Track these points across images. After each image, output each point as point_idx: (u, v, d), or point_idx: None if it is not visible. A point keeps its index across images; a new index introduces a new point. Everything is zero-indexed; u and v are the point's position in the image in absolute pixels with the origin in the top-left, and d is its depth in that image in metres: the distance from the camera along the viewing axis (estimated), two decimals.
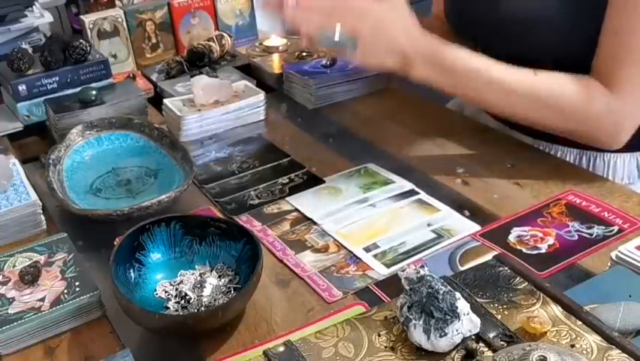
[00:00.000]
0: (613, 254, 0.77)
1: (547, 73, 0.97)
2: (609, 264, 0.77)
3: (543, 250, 0.84)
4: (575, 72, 0.98)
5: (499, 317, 0.65)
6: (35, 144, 1.25)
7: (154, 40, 1.54)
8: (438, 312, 0.62)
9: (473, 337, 0.63)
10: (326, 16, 0.97)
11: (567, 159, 1.09)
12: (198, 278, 0.80)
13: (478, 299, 0.67)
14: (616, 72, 0.95)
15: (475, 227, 0.90)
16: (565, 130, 1.02)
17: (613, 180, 1.05)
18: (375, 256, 0.86)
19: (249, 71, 1.48)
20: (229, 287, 0.80)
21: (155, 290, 0.80)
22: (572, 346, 0.61)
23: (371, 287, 0.81)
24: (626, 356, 0.59)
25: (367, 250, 0.87)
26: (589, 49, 0.97)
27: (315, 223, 0.94)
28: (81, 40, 1.27)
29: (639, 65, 0.93)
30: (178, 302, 0.78)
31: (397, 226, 0.92)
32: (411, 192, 0.99)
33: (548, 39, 1.00)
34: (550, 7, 0.98)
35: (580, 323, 0.63)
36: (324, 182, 1.03)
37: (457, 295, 0.64)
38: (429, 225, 0.91)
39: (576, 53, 0.99)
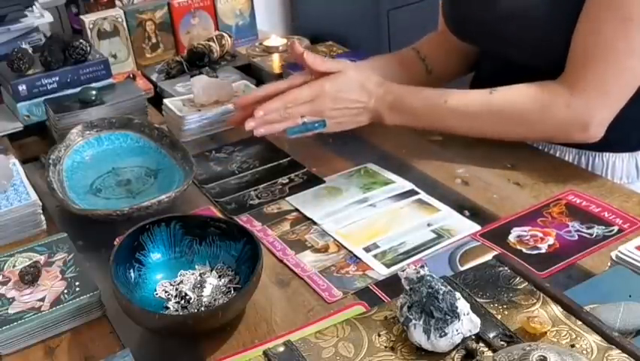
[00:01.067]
0: (613, 254, 0.77)
1: (503, 88, 1.01)
2: (609, 264, 0.77)
3: (543, 250, 0.84)
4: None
5: (499, 316, 0.65)
6: (35, 144, 1.25)
7: (154, 40, 1.55)
8: (438, 312, 0.62)
9: (473, 337, 0.63)
10: (286, 116, 1.02)
11: (566, 158, 1.09)
12: (198, 278, 0.80)
13: (478, 299, 0.67)
14: (580, 71, 0.97)
15: (475, 227, 0.90)
16: (537, 137, 1.06)
17: (612, 180, 1.05)
18: (375, 256, 0.86)
19: (249, 71, 1.48)
20: (229, 287, 0.80)
21: (155, 290, 0.80)
22: (572, 346, 0.61)
23: (371, 287, 0.81)
24: (626, 356, 0.59)
25: (367, 250, 0.87)
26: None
27: (315, 223, 0.94)
28: (81, 40, 1.27)
29: (604, 62, 0.95)
30: (178, 302, 0.78)
31: (397, 225, 0.92)
32: (411, 192, 0.99)
33: (543, 39, 1.00)
34: (543, 6, 0.98)
35: (580, 323, 0.63)
36: (324, 182, 1.03)
37: (457, 295, 0.64)
38: (429, 225, 0.91)
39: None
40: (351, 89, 1.04)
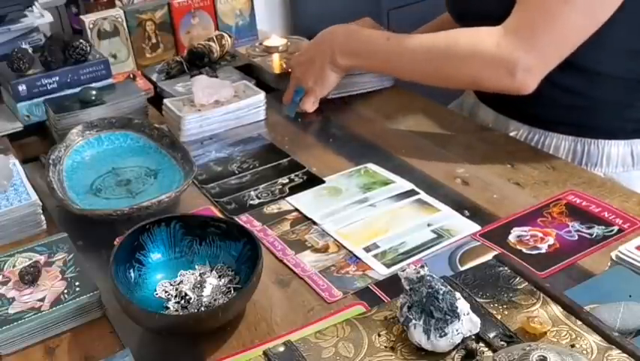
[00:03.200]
0: (613, 254, 0.77)
1: (452, 30, 1.04)
2: (609, 264, 0.77)
3: (543, 250, 0.84)
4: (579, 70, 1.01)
5: (499, 317, 0.65)
6: (35, 144, 1.25)
7: (154, 40, 1.54)
8: (438, 312, 0.62)
9: (473, 337, 0.63)
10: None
11: (561, 147, 1.09)
12: (198, 278, 0.80)
13: (478, 299, 0.67)
14: (515, 13, 0.98)
15: (475, 227, 0.90)
16: (466, 79, 1.05)
17: (607, 168, 1.05)
18: (375, 256, 0.86)
19: (249, 71, 1.48)
20: (229, 287, 0.80)
21: (155, 290, 0.80)
22: (572, 346, 0.61)
23: (371, 287, 0.81)
24: (626, 356, 0.59)
25: (367, 250, 0.87)
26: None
27: (315, 223, 0.94)
28: (81, 40, 1.27)
29: (536, 4, 0.96)
30: (178, 302, 0.78)
31: (397, 226, 0.92)
32: (411, 192, 0.99)
33: None
34: None
35: (580, 323, 0.63)
36: (324, 182, 1.03)
37: (457, 295, 0.64)
38: (429, 225, 0.91)
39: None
40: (306, 45, 1.20)
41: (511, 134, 1.14)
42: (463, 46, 1.01)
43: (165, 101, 1.25)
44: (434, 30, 1.17)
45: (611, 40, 1.00)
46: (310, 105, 1.23)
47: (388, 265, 0.84)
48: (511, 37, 0.97)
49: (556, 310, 0.65)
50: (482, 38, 0.99)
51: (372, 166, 1.06)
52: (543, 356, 0.55)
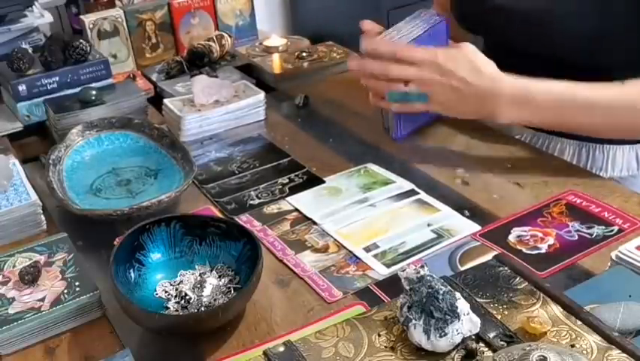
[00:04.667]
0: (613, 254, 0.77)
1: (634, 80, 0.94)
2: (609, 264, 0.77)
3: (543, 250, 0.84)
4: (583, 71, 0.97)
5: (499, 317, 0.65)
6: (35, 144, 1.25)
7: (154, 40, 1.55)
8: (438, 312, 0.62)
9: (473, 337, 0.63)
10: (389, 74, 0.99)
11: (566, 151, 1.09)
12: (198, 278, 0.80)
13: (478, 299, 0.67)
14: None
15: (475, 227, 0.90)
16: None
17: (612, 172, 1.05)
18: (375, 256, 0.86)
19: (249, 71, 1.48)
20: (229, 287, 0.80)
21: (155, 290, 0.80)
22: (572, 346, 0.61)
23: (371, 287, 0.81)
24: (626, 356, 0.59)
25: (367, 250, 0.87)
26: (598, 48, 0.98)
27: (315, 223, 0.94)
28: (81, 40, 1.27)
29: None
30: (178, 302, 0.78)
31: (397, 226, 0.92)
32: (411, 192, 0.99)
33: (551, 34, 0.99)
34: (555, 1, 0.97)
35: (580, 323, 0.63)
36: (324, 182, 1.03)
37: (457, 295, 0.64)
38: (429, 225, 0.91)
39: (581, 51, 0.99)
40: (463, 66, 0.94)
41: (516, 137, 1.14)
42: None
43: (165, 101, 1.25)
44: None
45: (624, 46, 0.99)
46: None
47: (388, 265, 0.84)
48: None
49: (556, 310, 0.65)
50: None
51: (372, 166, 1.06)
52: (543, 356, 0.55)
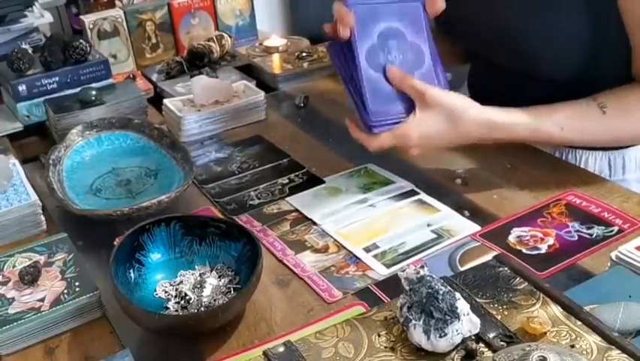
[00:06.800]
0: (613, 254, 0.77)
1: (613, 102, 0.94)
2: (609, 264, 0.77)
3: (543, 251, 0.84)
4: (568, 86, 0.96)
5: (499, 317, 0.65)
6: (35, 144, 1.25)
7: (154, 41, 1.55)
8: (438, 312, 0.62)
9: (473, 337, 0.63)
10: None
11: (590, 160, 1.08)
12: (198, 278, 0.80)
13: (478, 299, 0.67)
14: None
15: (475, 227, 0.90)
16: None
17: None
18: (375, 256, 0.86)
19: (249, 71, 1.48)
20: (229, 287, 0.80)
21: (155, 290, 0.80)
22: (572, 346, 0.61)
23: (371, 287, 0.81)
24: (626, 356, 0.59)
25: (367, 250, 0.87)
26: (586, 61, 0.97)
27: (314, 223, 0.94)
28: (81, 41, 1.27)
29: None
30: (178, 302, 0.78)
31: (397, 226, 0.92)
32: (411, 193, 0.99)
33: (542, 50, 0.98)
34: (534, 16, 0.97)
35: (580, 323, 0.63)
36: (324, 182, 1.03)
37: (457, 295, 0.64)
38: (429, 225, 0.91)
39: (572, 66, 0.98)
40: (442, 134, 0.93)
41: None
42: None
43: (165, 101, 1.25)
44: None
45: (611, 60, 0.98)
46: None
47: (388, 266, 0.84)
48: None
49: (556, 310, 0.65)
50: None
51: (372, 166, 1.06)
52: (543, 356, 0.55)
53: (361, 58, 0.92)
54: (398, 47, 0.95)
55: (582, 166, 1.07)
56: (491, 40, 1.04)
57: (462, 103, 0.93)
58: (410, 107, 0.93)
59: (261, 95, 1.26)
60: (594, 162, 1.07)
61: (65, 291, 0.80)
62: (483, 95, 0.98)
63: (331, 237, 0.91)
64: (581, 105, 0.95)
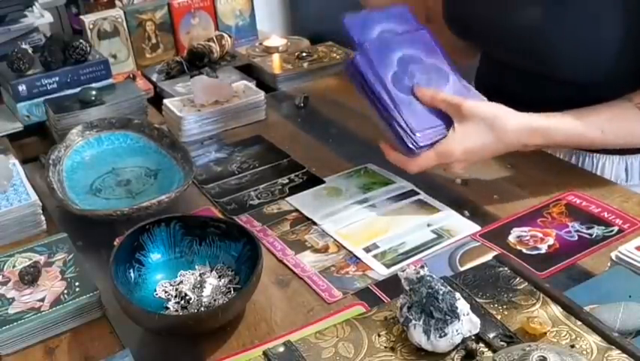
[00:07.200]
0: (613, 254, 0.77)
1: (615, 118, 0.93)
2: (609, 264, 0.77)
3: (543, 251, 0.84)
4: (587, 87, 0.96)
5: (499, 317, 0.65)
6: (35, 144, 1.25)
7: (154, 41, 1.55)
8: (438, 312, 0.62)
9: (473, 337, 0.63)
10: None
11: (556, 155, 1.08)
12: (198, 278, 0.80)
13: (478, 300, 0.67)
14: None
15: (475, 227, 0.90)
16: None
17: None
18: (375, 256, 0.86)
19: (249, 71, 1.48)
20: (229, 287, 0.80)
21: (155, 290, 0.80)
22: (572, 346, 0.61)
23: (371, 287, 0.81)
24: (626, 356, 0.59)
25: (367, 250, 0.87)
26: (614, 64, 0.95)
27: (314, 224, 0.94)
28: (81, 41, 1.27)
29: None
30: (178, 302, 0.78)
31: (397, 226, 0.92)
32: (411, 193, 0.99)
33: (554, 50, 0.98)
34: (559, 17, 0.96)
35: (580, 323, 0.63)
36: (324, 182, 1.03)
37: (457, 295, 0.64)
38: (429, 225, 0.91)
39: (584, 66, 0.97)
40: (487, 146, 0.91)
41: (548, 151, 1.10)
42: None
43: (165, 101, 1.25)
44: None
45: (618, 62, 0.97)
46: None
47: (388, 266, 0.84)
48: None
49: (556, 310, 0.65)
50: None
51: (372, 166, 1.06)
52: (543, 356, 0.55)
53: (388, 83, 0.92)
54: (420, 70, 0.94)
55: (599, 171, 1.05)
56: (508, 41, 1.03)
57: (501, 111, 0.91)
58: (447, 122, 0.91)
59: (261, 95, 1.26)
60: (611, 166, 1.06)
61: (65, 291, 0.80)
62: (492, 94, 0.97)
63: (331, 237, 0.91)
64: (619, 107, 0.93)
